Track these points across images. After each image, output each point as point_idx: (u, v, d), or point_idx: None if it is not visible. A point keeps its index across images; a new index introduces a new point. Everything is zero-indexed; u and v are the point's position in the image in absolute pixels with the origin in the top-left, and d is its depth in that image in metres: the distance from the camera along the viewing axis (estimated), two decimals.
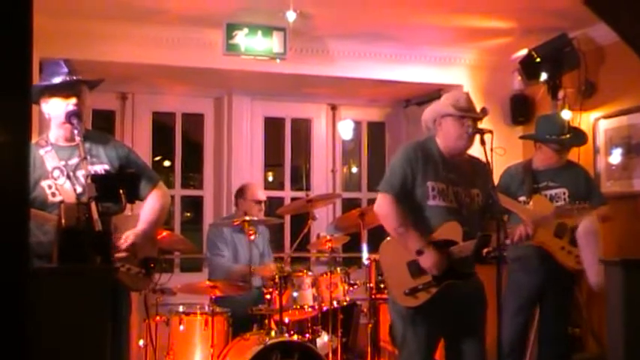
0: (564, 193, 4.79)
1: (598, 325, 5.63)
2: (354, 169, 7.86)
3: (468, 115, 3.85)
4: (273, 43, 5.80)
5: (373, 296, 5.34)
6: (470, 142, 3.88)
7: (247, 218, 5.29)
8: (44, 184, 3.57)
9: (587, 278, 4.65)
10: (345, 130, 7.42)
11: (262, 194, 6.04)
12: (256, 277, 5.58)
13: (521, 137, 5.81)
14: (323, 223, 6.71)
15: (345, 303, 5.34)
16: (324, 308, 5.22)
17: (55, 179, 3.58)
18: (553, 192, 4.83)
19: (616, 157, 5.78)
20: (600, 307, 5.43)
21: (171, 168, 7.04)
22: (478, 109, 3.95)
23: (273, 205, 6.63)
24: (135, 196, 3.49)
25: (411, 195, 3.83)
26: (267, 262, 5.90)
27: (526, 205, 4.74)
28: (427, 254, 3.73)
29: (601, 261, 4.40)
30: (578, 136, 5.13)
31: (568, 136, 4.95)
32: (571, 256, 4.68)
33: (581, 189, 4.79)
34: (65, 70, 3.63)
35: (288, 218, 7.00)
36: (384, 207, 3.87)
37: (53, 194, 3.56)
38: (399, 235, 3.82)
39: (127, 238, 3.62)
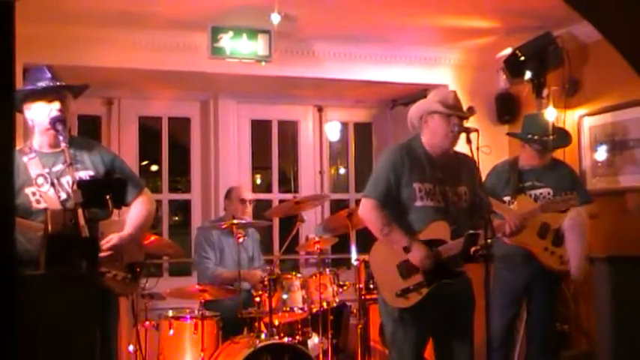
0: (549, 193, 4.81)
1: (586, 321, 5.66)
2: (342, 170, 7.87)
3: (455, 113, 3.86)
4: (259, 46, 5.80)
5: (363, 297, 5.34)
6: (455, 140, 3.89)
7: (235, 221, 5.28)
8: (28, 191, 3.55)
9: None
10: (332, 131, 7.44)
11: (247, 193, 6.04)
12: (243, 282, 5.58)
13: (508, 134, 5.84)
14: (311, 224, 6.71)
15: (334, 304, 5.34)
16: (314, 310, 5.22)
17: (39, 186, 3.56)
18: (538, 192, 4.85)
19: (601, 154, 5.82)
20: (588, 303, 5.46)
21: (159, 172, 7.02)
22: (464, 108, 3.96)
23: (261, 208, 6.62)
24: (121, 202, 3.49)
25: (398, 198, 3.84)
26: (256, 266, 5.91)
27: (510, 206, 4.76)
28: (414, 249, 3.74)
29: (588, 257, 4.44)
30: (562, 138, 5.15)
31: (552, 137, 4.96)
32: (554, 257, 4.70)
33: (566, 188, 4.79)
34: (48, 75, 3.62)
35: (276, 221, 7.00)
36: (367, 211, 3.89)
37: (37, 201, 3.54)
38: (384, 236, 3.83)
39: (110, 240, 3.60)
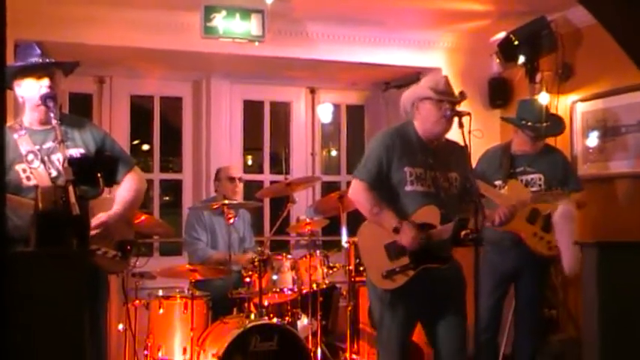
0: (540, 179, 4.82)
1: (574, 306, 5.69)
2: (334, 153, 7.87)
3: (446, 98, 3.86)
4: (252, 26, 5.77)
5: (352, 279, 5.36)
6: (448, 125, 3.88)
7: (226, 202, 5.27)
8: (18, 167, 3.54)
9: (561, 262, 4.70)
10: (325, 113, 7.42)
11: (236, 171, 6.04)
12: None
13: (502, 118, 5.84)
14: (302, 206, 6.71)
15: (324, 286, 5.36)
16: (304, 291, 5.24)
17: (30, 163, 3.55)
18: (529, 177, 4.87)
19: (593, 140, 5.83)
20: (576, 288, 5.49)
21: (150, 152, 7.00)
22: (456, 92, 3.96)
23: (252, 189, 6.62)
24: (112, 180, 3.49)
25: (388, 181, 3.84)
26: (247, 247, 5.91)
27: (501, 190, 4.77)
28: (404, 231, 3.74)
29: (577, 243, 4.46)
30: (555, 125, 5.14)
31: (545, 124, 4.97)
32: (543, 242, 4.73)
33: (558, 175, 4.82)
34: (38, 52, 3.60)
35: (267, 202, 7.00)
36: (357, 193, 3.89)
37: (28, 178, 3.53)
38: (374, 216, 3.83)
39: (99, 217, 3.60)
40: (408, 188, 3.83)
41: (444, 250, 3.84)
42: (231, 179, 5.89)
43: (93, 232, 3.51)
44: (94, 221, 3.56)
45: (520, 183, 4.81)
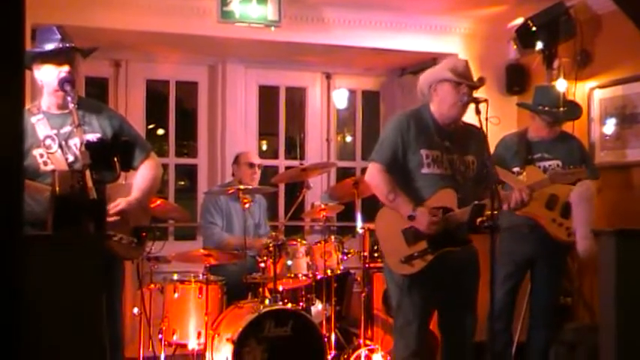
0: (558, 165, 4.79)
1: (589, 294, 5.67)
2: (349, 138, 7.85)
3: (465, 82, 3.84)
4: (268, 11, 5.76)
5: (367, 265, 5.36)
6: (464, 110, 3.87)
7: (242, 187, 5.27)
8: (36, 152, 3.54)
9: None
10: (340, 98, 7.40)
11: (256, 158, 6.03)
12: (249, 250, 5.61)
13: (518, 104, 5.81)
14: (317, 191, 6.71)
15: (338, 272, 5.36)
16: (318, 277, 5.24)
17: (47, 148, 3.55)
18: (547, 163, 4.84)
19: (610, 127, 5.78)
20: (592, 276, 5.47)
21: (165, 136, 7.01)
22: (475, 78, 3.94)
23: (267, 174, 6.62)
24: (128, 165, 3.49)
25: (404, 164, 3.84)
26: (262, 233, 5.91)
27: (519, 176, 4.74)
28: (420, 216, 3.73)
29: (594, 231, 4.43)
30: (572, 110, 5.11)
31: (562, 109, 4.93)
32: (562, 228, 4.70)
33: (576, 161, 4.78)
34: (58, 36, 3.57)
35: (282, 187, 7.01)
36: (373, 176, 3.89)
37: (45, 163, 3.53)
38: (389, 201, 3.82)
39: (117, 204, 3.60)
40: (425, 170, 3.82)
41: (461, 233, 3.83)
42: (251, 165, 5.89)
43: (111, 219, 3.52)
44: (113, 208, 3.57)
45: (538, 169, 4.78)
